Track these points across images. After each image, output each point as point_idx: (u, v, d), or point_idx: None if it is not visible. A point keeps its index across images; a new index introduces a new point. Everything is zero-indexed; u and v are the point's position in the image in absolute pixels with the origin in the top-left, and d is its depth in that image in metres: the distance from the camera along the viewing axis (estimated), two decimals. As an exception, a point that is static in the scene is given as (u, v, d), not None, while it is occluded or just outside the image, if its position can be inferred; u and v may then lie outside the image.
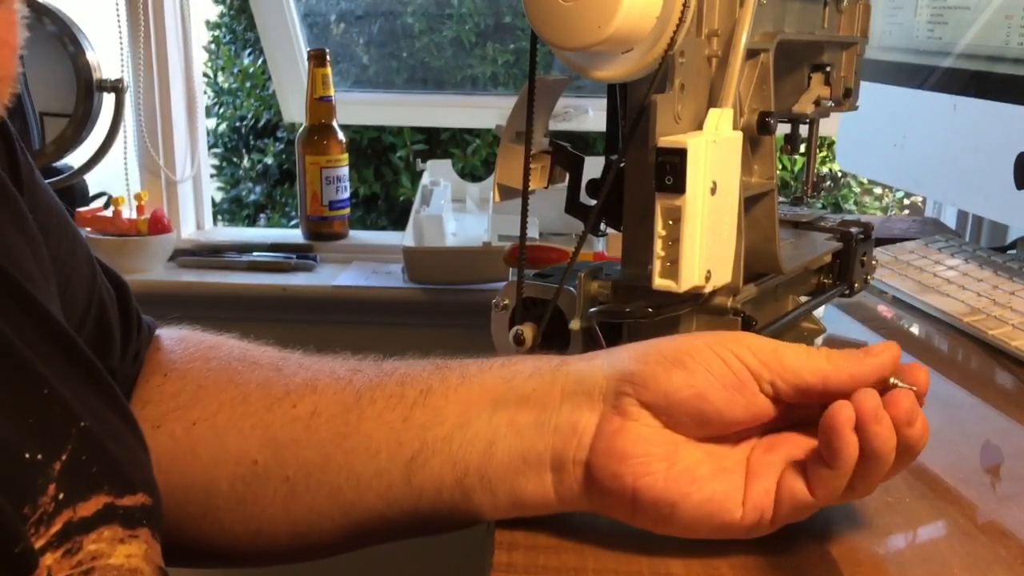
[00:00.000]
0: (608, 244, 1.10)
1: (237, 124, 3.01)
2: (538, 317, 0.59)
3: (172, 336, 0.56)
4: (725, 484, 0.43)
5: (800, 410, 0.44)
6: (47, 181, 0.50)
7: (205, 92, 2.45)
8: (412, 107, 1.83)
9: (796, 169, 2.59)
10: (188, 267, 1.37)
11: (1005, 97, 0.86)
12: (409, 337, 1.29)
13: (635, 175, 0.57)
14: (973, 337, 0.76)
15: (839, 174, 2.82)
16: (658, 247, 0.50)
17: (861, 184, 2.87)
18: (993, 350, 0.74)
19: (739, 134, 0.53)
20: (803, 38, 0.63)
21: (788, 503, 0.42)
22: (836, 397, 0.41)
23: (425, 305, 1.28)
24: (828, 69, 0.65)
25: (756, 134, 0.57)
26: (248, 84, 2.94)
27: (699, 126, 0.52)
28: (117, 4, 1.35)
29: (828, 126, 0.93)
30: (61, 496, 0.37)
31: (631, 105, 0.57)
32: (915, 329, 0.82)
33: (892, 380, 0.42)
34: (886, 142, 1.03)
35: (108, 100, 1.32)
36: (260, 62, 2.84)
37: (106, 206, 1.39)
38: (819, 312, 0.73)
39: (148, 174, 1.42)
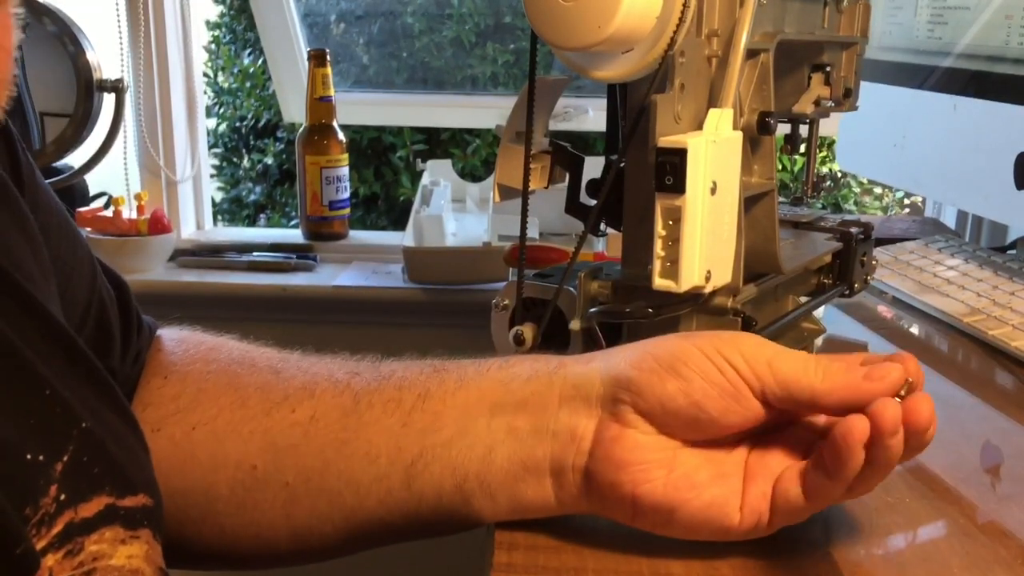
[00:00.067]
0: (608, 244, 1.10)
1: (237, 124, 3.01)
2: (538, 317, 0.59)
3: (173, 337, 0.56)
4: (724, 489, 0.43)
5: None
6: (47, 181, 0.50)
7: (205, 92, 2.45)
8: (412, 107, 1.83)
9: (796, 169, 2.59)
10: (188, 267, 1.37)
11: (1005, 97, 0.86)
12: (409, 337, 1.29)
13: (635, 175, 0.57)
14: (973, 337, 0.76)
15: (839, 174, 2.82)
16: (658, 247, 0.50)
17: (861, 184, 2.87)
18: (993, 350, 0.74)
19: (739, 134, 0.53)
20: (803, 38, 0.63)
21: (783, 508, 0.42)
22: (829, 412, 0.42)
23: (425, 305, 1.28)
24: (828, 69, 0.65)
25: (756, 134, 0.57)
26: (248, 84, 2.94)
27: (699, 126, 0.52)
28: (117, 4, 1.35)
29: (828, 126, 0.93)
30: (62, 497, 0.37)
31: (631, 105, 0.57)
32: (915, 329, 0.82)
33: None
34: (886, 142, 1.03)
35: (108, 100, 1.32)
36: (260, 62, 2.84)
37: (106, 206, 1.39)
38: (819, 312, 0.73)
39: (148, 174, 1.42)
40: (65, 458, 0.38)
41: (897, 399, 0.40)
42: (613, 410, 0.43)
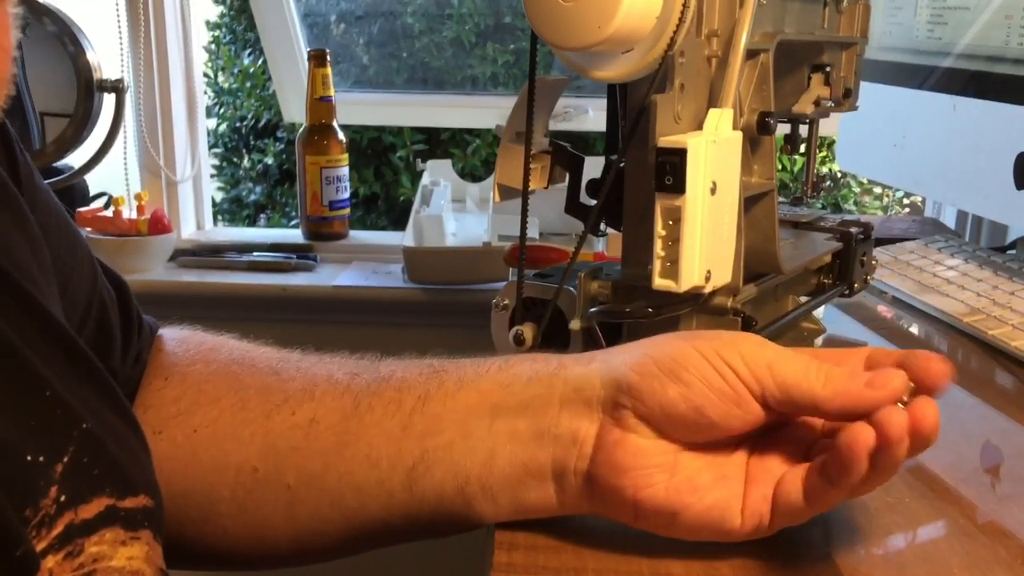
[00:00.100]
0: (608, 244, 1.10)
1: (237, 124, 3.01)
2: (538, 317, 0.59)
3: (174, 337, 0.56)
4: (725, 492, 0.43)
5: None
6: (47, 181, 0.50)
7: (205, 92, 2.45)
8: (412, 107, 1.83)
9: (796, 169, 2.59)
10: (188, 267, 1.37)
11: (1005, 97, 0.86)
12: (409, 337, 1.29)
13: (635, 175, 0.57)
14: (973, 337, 0.76)
15: (839, 174, 2.82)
16: (658, 247, 0.50)
17: (861, 184, 2.87)
18: (993, 350, 0.74)
19: (739, 134, 0.53)
20: (803, 38, 0.63)
21: (784, 511, 0.42)
22: (830, 417, 0.42)
23: (425, 305, 1.28)
24: (828, 69, 0.65)
25: (756, 134, 0.57)
26: (248, 84, 2.94)
27: (699, 126, 0.52)
28: (117, 4, 1.35)
29: (828, 126, 0.93)
30: (63, 498, 0.37)
31: (631, 105, 0.57)
32: (915, 329, 0.82)
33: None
34: (886, 142, 1.03)
35: (108, 100, 1.32)
36: (260, 62, 2.84)
37: (106, 206, 1.39)
38: (819, 312, 0.73)
39: (148, 174, 1.42)
40: (65, 459, 0.38)
41: (900, 404, 0.40)
42: (614, 414, 0.43)
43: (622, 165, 0.57)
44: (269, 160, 2.95)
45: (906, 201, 2.79)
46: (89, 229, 1.33)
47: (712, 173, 0.49)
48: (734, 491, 0.43)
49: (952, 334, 0.78)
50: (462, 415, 0.46)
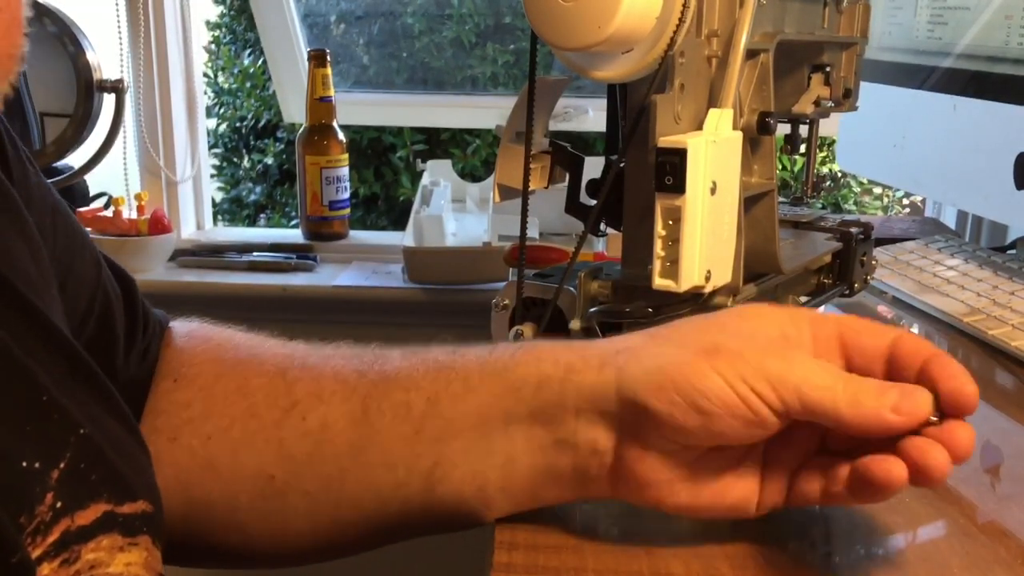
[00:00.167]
0: (608, 244, 1.10)
1: (237, 124, 3.02)
2: (538, 317, 0.59)
3: (183, 332, 0.56)
4: (744, 490, 0.43)
5: None
6: (47, 181, 0.50)
7: (205, 92, 2.45)
8: (412, 107, 1.83)
9: (796, 169, 2.59)
10: (188, 267, 1.37)
11: (1005, 97, 0.86)
12: (409, 337, 1.28)
13: (635, 175, 0.57)
14: (973, 337, 0.76)
15: (839, 174, 2.82)
16: (658, 247, 0.50)
17: (861, 184, 2.87)
18: (993, 350, 0.74)
19: (739, 134, 0.53)
20: (803, 38, 0.63)
21: (798, 503, 0.43)
22: (851, 434, 0.41)
23: (425, 305, 1.28)
24: (828, 69, 0.65)
25: (756, 134, 0.57)
26: (248, 84, 2.94)
27: (699, 126, 0.52)
28: (117, 4, 1.35)
29: (828, 126, 0.93)
30: (59, 505, 0.37)
31: (631, 105, 0.57)
32: (915, 329, 0.82)
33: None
34: (886, 142, 1.03)
35: (108, 100, 1.32)
36: (260, 62, 2.84)
37: (106, 206, 1.39)
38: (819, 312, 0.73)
39: (148, 174, 1.42)
40: (62, 465, 0.38)
41: (934, 418, 0.39)
42: (633, 431, 0.43)
43: (622, 165, 0.57)
44: (269, 160, 2.96)
45: (906, 201, 2.79)
46: (89, 229, 1.33)
47: (712, 173, 0.50)
48: (752, 487, 0.43)
49: (952, 334, 0.78)
50: (474, 420, 0.46)
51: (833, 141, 1.31)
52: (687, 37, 0.52)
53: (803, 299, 0.68)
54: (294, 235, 1.45)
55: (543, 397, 0.44)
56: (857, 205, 2.88)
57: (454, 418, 0.46)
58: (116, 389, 0.47)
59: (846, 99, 0.68)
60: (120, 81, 1.31)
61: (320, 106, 1.37)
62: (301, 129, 1.40)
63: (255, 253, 1.39)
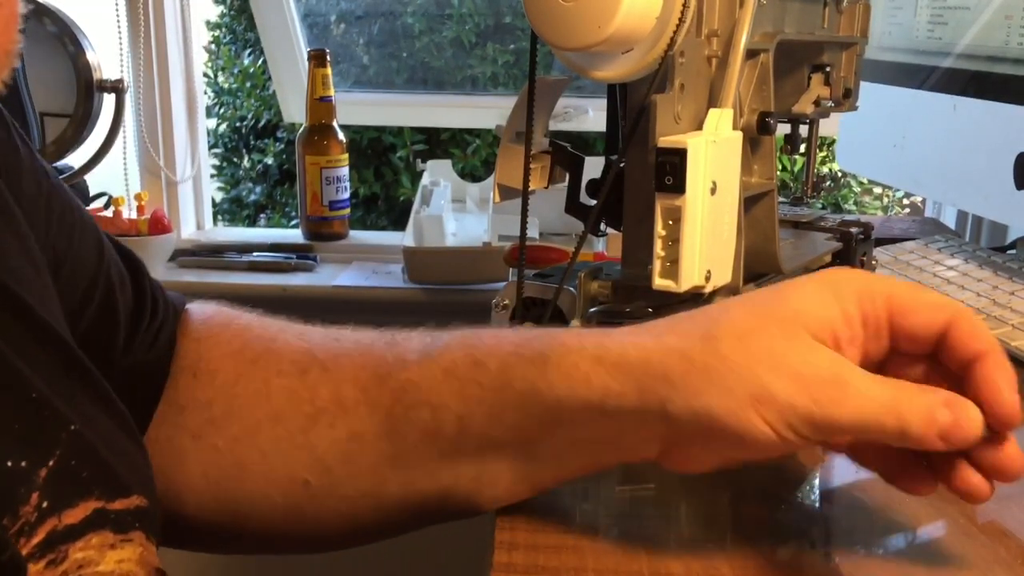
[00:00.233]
0: (608, 244, 1.10)
1: (237, 124, 3.02)
2: (538, 317, 0.59)
3: (199, 319, 0.55)
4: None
5: None
6: (44, 164, 0.49)
7: (205, 92, 2.45)
8: (412, 107, 1.83)
9: (796, 169, 2.59)
10: (188, 267, 1.37)
11: (1005, 97, 0.86)
12: (409, 337, 1.29)
13: (635, 175, 0.57)
14: (973, 337, 0.76)
15: (839, 174, 2.82)
16: (658, 247, 0.50)
17: (861, 184, 2.87)
18: (993, 350, 0.74)
19: (739, 134, 0.53)
20: (803, 38, 0.63)
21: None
22: None
23: (425, 305, 1.28)
24: (828, 69, 0.65)
25: (756, 134, 0.58)
26: (248, 84, 2.94)
27: (699, 126, 0.52)
28: (117, 4, 1.35)
29: (828, 126, 0.93)
30: (45, 504, 0.36)
31: (631, 105, 0.57)
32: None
33: None
34: (886, 142, 1.03)
35: (108, 100, 1.32)
36: (260, 62, 2.84)
37: (106, 206, 1.39)
38: (819, 312, 0.73)
39: (148, 174, 1.42)
40: (51, 463, 0.37)
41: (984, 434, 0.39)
42: (676, 441, 0.42)
43: (622, 165, 0.57)
44: (269, 160, 2.96)
45: (906, 201, 2.79)
46: (89, 229, 1.33)
47: (712, 173, 0.50)
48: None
49: (952, 334, 0.78)
50: (513, 436, 0.45)
51: (833, 141, 1.31)
52: (687, 37, 0.52)
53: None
54: (294, 235, 1.45)
55: (586, 427, 0.43)
56: (857, 205, 2.88)
57: (494, 435, 0.45)
58: (118, 374, 0.47)
59: (846, 99, 0.68)
60: (120, 81, 1.31)
61: (320, 106, 1.37)
62: (301, 129, 1.40)
63: (255, 253, 1.39)
